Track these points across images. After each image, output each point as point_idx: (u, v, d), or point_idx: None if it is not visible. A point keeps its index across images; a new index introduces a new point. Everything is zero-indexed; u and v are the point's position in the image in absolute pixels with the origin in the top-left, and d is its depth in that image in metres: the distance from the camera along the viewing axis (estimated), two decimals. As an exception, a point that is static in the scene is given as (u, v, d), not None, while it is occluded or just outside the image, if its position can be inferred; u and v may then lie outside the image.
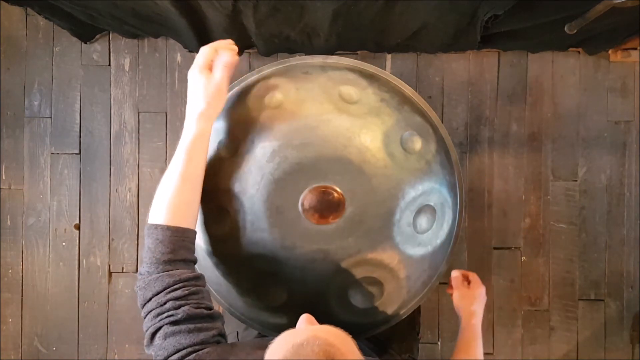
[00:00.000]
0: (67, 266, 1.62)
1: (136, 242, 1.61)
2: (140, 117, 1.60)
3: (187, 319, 0.59)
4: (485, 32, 1.26)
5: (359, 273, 0.71)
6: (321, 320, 0.58)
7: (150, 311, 0.61)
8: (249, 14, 1.16)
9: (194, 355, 0.58)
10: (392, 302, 0.77)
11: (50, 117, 1.60)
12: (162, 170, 1.57)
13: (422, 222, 0.73)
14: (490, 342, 1.59)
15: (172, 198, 0.65)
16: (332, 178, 0.68)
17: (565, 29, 1.06)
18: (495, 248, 1.59)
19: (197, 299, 0.61)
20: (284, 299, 0.72)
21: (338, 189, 0.68)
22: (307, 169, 0.68)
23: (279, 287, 0.72)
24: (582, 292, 1.59)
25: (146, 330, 0.61)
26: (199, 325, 0.60)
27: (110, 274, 1.61)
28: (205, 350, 0.59)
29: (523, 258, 1.59)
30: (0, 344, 1.61)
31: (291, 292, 0.72)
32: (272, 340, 0.54)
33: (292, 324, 0.74)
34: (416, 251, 0.74)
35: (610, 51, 1.56)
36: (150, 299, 0.61)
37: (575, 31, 1.06)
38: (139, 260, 1.60)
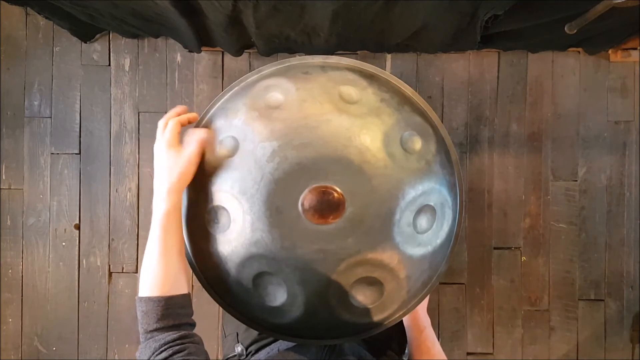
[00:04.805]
0: (67, 266, 1.62)
1: (136, 242, 1.61)
2: (140, 117, 1.60)
3: None
4: (485, 32, 1.26)
5: (359, 273, 0.71)
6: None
7: None
8: (249, 14, 1.16)
9: None
10: (392, 302, 0.76)
11: (50, 117, 1.60)
12: (162, 170, 1.57)
13: (422, 222, 0.73)
14: (490, 342, 1.59)
15: (156, 271, 0.67)
16: (332, 178, 0.68)
17: (565, 29, 1.06)
18: (495, 248, 1.59)
19: (183, 355, 0.63)
20: (284, 299, 0.72)
21: (338, 189, 0.68)
22: (307, 169, 0.68)
23: (279, 287, 0.72)
24: (582, 292, 1.59)
25: None
26: None
27: (110, 274, 1.61)
28: None
29: (523, 258, 1.59)
30: (0, 344, 1.61)
31: (291, 292, 0.72)
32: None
33: (292, 324, 0.74)
34: (416, 251, 0.74)
35: (610, 51, 1.56)
36: None
37: (575, 31, 1.06)
38: (138, 260, 1.60)
